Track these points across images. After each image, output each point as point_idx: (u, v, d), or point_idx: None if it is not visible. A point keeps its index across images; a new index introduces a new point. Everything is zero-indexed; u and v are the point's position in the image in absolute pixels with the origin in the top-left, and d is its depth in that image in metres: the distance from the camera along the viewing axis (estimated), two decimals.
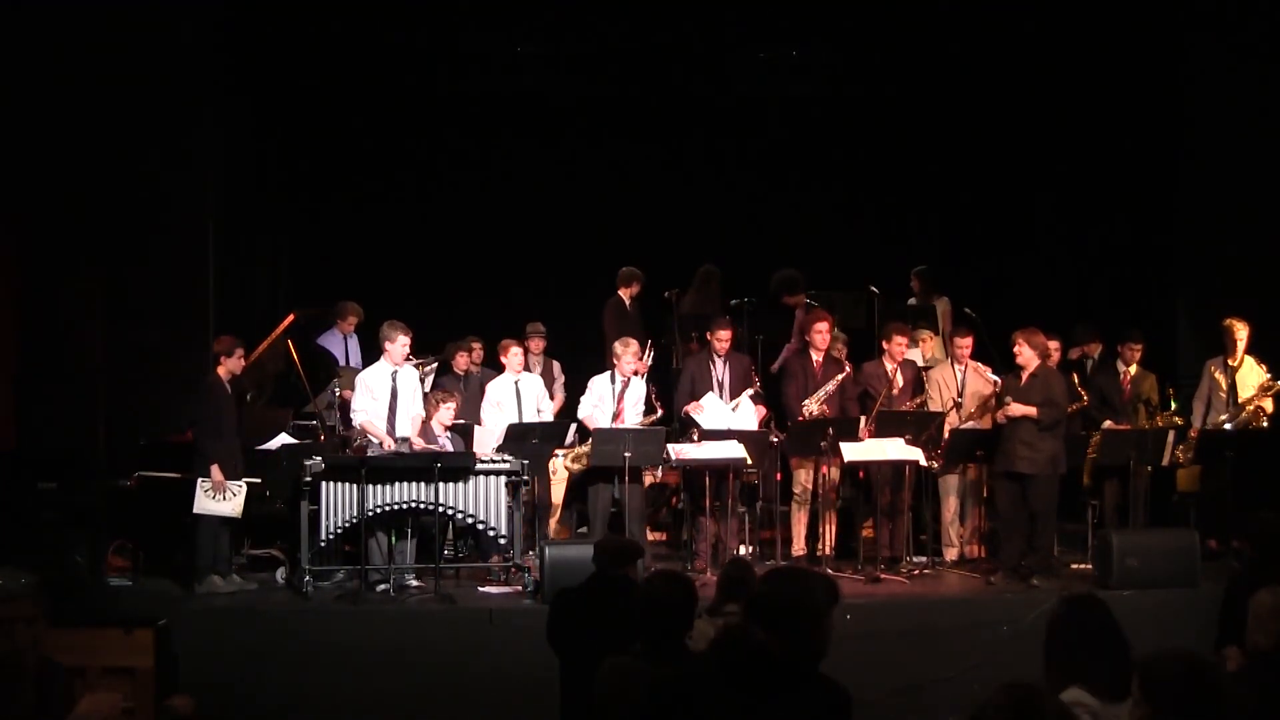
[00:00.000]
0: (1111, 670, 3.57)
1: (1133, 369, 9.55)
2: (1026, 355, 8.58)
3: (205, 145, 10.02)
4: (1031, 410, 8.41)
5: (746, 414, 9.07)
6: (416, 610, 7.94)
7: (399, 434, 8.74)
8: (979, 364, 9.23)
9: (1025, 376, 8.58)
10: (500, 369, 9.68)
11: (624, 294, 10.74)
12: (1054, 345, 9.24)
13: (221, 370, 8.47)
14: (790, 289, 10.72)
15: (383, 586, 8.32)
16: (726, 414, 9.00)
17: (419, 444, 8.67)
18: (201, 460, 8.28)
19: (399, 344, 8.75)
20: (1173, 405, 9.49)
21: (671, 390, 9.77)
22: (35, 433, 9.26)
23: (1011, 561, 8.59)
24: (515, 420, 9.13)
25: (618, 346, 9.25)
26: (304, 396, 9.79)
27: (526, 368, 9.80)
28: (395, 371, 8.78)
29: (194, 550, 8.23)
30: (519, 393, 9.37)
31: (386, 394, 8.75)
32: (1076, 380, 9.31)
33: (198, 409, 8.45)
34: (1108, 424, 9.28)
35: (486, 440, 9.14)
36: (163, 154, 9.64)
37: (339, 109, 11.98)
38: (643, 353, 9.70)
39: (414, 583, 8.44)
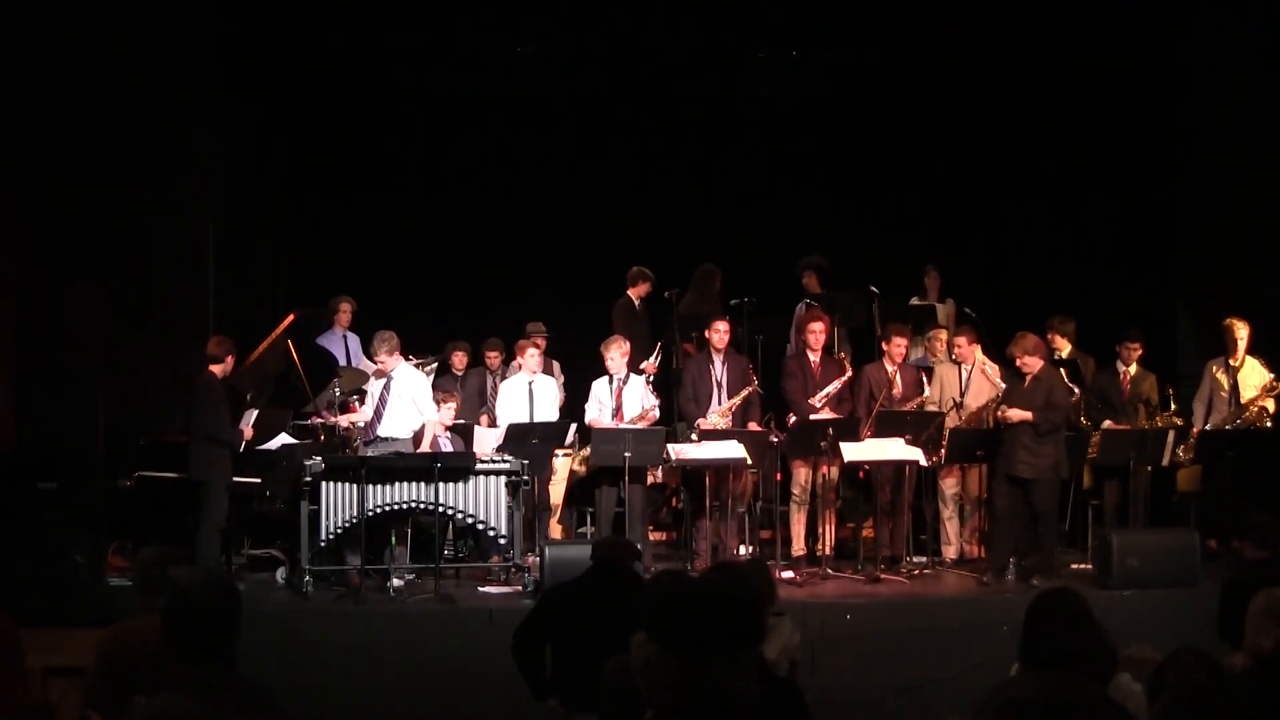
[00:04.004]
0: (1089, 658, 3.65)
1: (1132, 369, 9.54)
2: (1030, 362, 8.56)
3: (205, 145, 10.03)
4: (1029, 415, 8.41)
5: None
6: (416, 610, 7.94)
7: (381, 434, 8.79)
8: (990, 365, 9.16)
9: (1029, 380, 8.58)
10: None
11: (632, 294, 10.73)
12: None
13: (216, 369, 8.53)
14: (817, 271, 10.73)
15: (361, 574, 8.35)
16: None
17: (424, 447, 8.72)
18: (209, 459, 8.35)
19: (378, 359, 8.88)
20: (1172, 405, 9.48)
21: (672, 391, 9.78)
22: (35, 433, 9.25)
23: (1000, 562, 8.59)
24: (528, 420, 9.14)
25: (602, 347, 9.27)
26: (304, 396, 9.80)
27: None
28: (389, 379, 8.85)
29: (194, 550, 8.24)
30: (532, 393, 9.37)
31: (376, 396, 8.87)
32: (1066, 376, 9.30)
33: (204, 409, 8.46)
34: (1107, 424, 9.28)
35: (486, 440, 9.15)
36: (163, 154, 9.65)
37: (339, 109, 11.98)
38: (652, 352, 9.76)
39: (396, 582, 8.42)
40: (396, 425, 8.82)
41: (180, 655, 3.10)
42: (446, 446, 8.78)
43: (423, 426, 8.88)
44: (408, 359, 10.10)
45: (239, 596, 3.24)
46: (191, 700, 3.05)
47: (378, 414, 8.85)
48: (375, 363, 8.95)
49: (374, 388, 8.99)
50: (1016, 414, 8.44)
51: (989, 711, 2.00)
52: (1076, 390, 9.30)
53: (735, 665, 2.82)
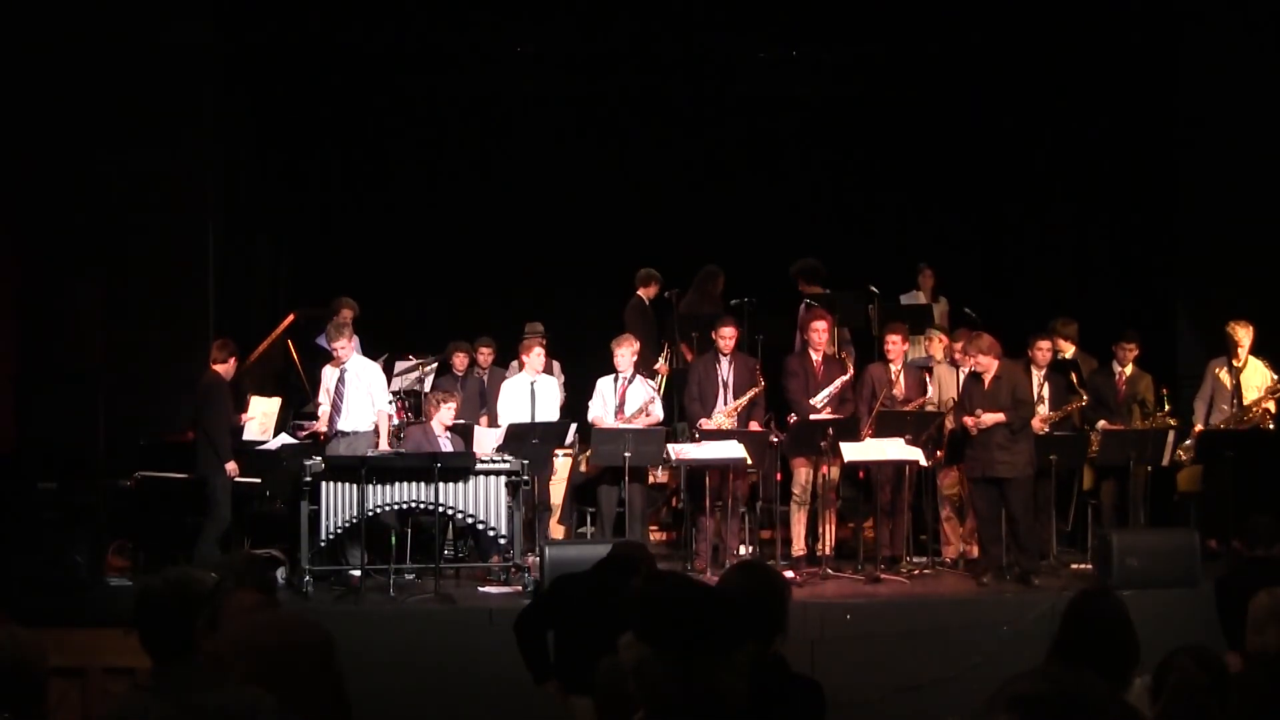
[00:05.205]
0: (1118, 661, 3.67)
1: (1128, 369, 9.53)
2: (985, 361, 8.56)
3: (205, 145, 10.03)
4: (1001, 416, 8.41)
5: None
6: (416, 610, 7.94)
7: (342, 428, 8.79)
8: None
9: (989, 380, 8.57)
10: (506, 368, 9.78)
11: (643, 294, 10.74)
12: (1044, 345, 9.21)
13: (222, 369, 8.56)
14: (808, 277, 10.74)
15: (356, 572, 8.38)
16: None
17: (383, 444, 8.79)
18: (216, 459, 8.36)
19: (336, 345, 8.84)
20: (1166, 406, 9.47)
21: (675, 391, 9.78)
22: (35, 433, 9.26)
23: (996, 563, 8.59)
24: (529, 419, 9.14)
25: (613, 344, 9.27)
26: (304, 396, 9.80)
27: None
28: (344, 370, 8.84)
29: (193, 549, 8.24)
30: (534, 393, 9.36)
31: (332, 390, 8.90)
32: (1075, 380, 9.30)
33: (212, 409, 8.48)
34: (1102, 424, 9.27)
35: (487, 440, 9.15)
36: (162, 154, 9.66)
37: (339, 108, 11.98)
38: (661, 353, 9.76)
39: (355, 573, 8.42)
40: (356, 418, 8.82)
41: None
42: (446, 446, 8.78)
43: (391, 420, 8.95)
44: (407, 359, 10.12)
45: (188, 601, 3.23)
46: (147, 701, 3.13)
47: (336, 407, 8.84)
48: (334, 350, 8.89)
49: (328, 379, 8.93)
50: (991, 418, 8.42)
51: (998, 706, 2.02)
52: (1084, 394, 9.26)
53: (727, 665, 2.82)
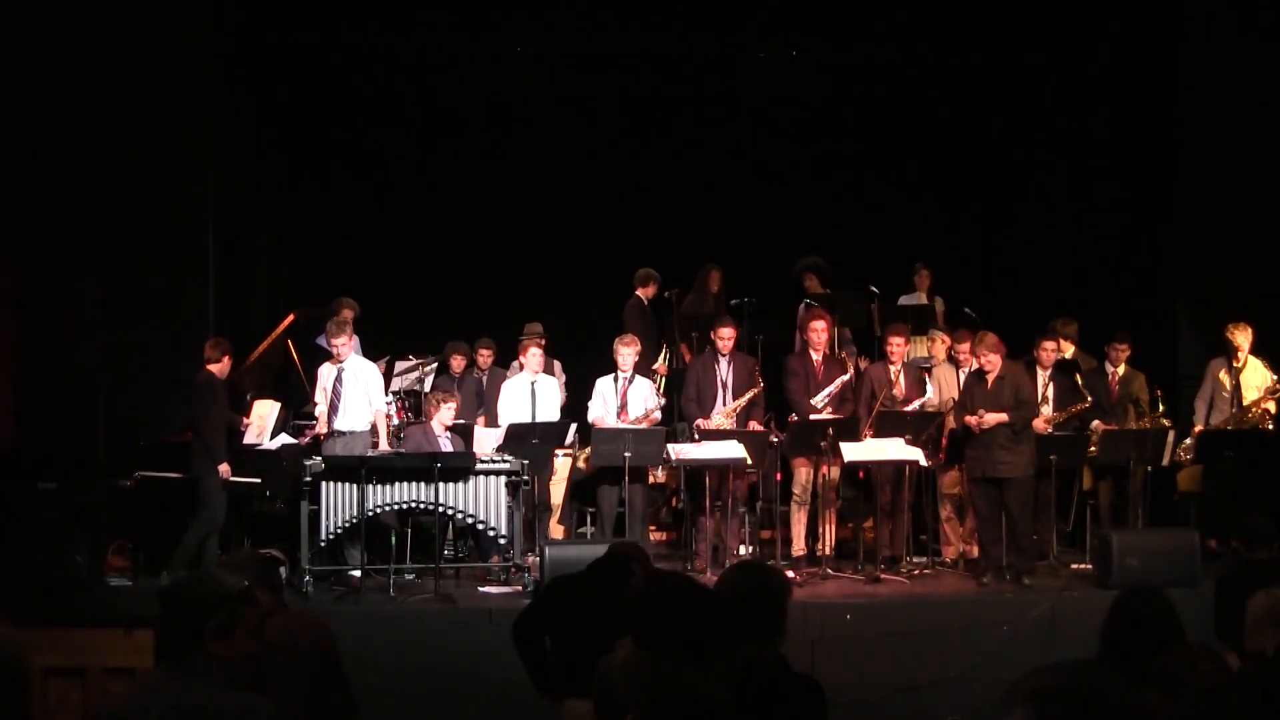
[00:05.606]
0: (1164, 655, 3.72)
1: (1120, 369, 9.54)
2: (993, 359, 8.56)
3: (204, 145, 10.03)
4: (1004, 416, 8.41)
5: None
6: (416, 610, 7.95)
7: (339, 427, 8.78)
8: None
9: (991, 380, 8.57)
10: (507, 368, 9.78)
11: (642, 294, 10.75)
12: (1050, 346, 9.20)
13: (216, 369, 8.55)
14: (818, 274, 10.74)
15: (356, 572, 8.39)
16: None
17: (382, 444, 8.80)
18: (209, 459, 8.36)
19: (336, 342, 8.81)
20: (1160, 407, 9.46)
21: (674, 392, 9.78)
22: (35, 433, 9.26)
23: (996, 563, 8.60)
24: (530, 420, 9.14)
25: (615, 343, 9.27)
26: (304, 396, 9.80)
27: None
28: (341, 368, 8.82)
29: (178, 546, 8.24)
30: (534, 393, 9.36)
31: (329, 389, 8.87)
32: (1080, 381, 9.29)
33: (206, 408, 8.48)
34: (1096, 424, 9.27)
35: (487, 440, 9.15)
36: (162, 154, 9.66)
37: (340, 108, 11.98)
38: (660, 353, 9.75)
39: (355, 573, 8.43)
40: (353, 418, 8.81)
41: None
42: (446, 446, 8.79)
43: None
44: (407, 359, 10.11)
45: (198, 603, 3.30)
46: (147, 700, 3.22)
47: (333, 406, 8.83)
48: (333, 348, 8.86)
49: (325, 377, 8.90)
50: (993, 418, 8.42)
51: (1017, 699, 2.04)
52: (1090, 396, 9.24)
53: (714, 670, 2.81)
